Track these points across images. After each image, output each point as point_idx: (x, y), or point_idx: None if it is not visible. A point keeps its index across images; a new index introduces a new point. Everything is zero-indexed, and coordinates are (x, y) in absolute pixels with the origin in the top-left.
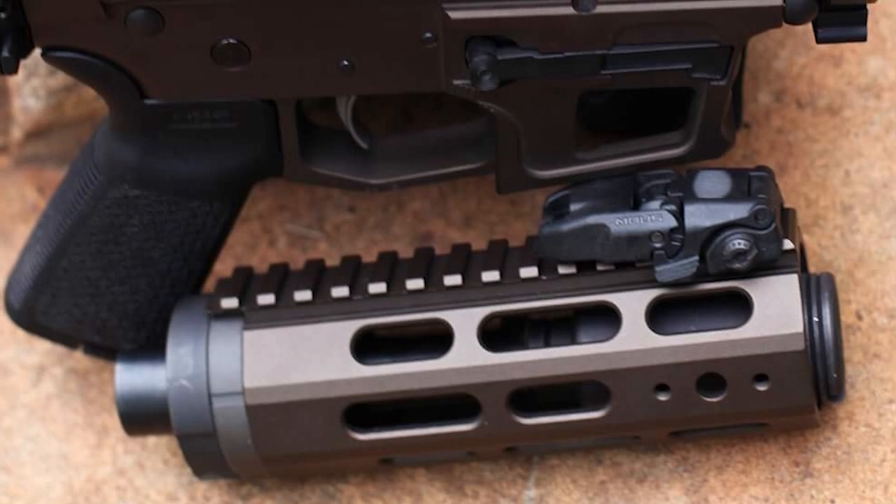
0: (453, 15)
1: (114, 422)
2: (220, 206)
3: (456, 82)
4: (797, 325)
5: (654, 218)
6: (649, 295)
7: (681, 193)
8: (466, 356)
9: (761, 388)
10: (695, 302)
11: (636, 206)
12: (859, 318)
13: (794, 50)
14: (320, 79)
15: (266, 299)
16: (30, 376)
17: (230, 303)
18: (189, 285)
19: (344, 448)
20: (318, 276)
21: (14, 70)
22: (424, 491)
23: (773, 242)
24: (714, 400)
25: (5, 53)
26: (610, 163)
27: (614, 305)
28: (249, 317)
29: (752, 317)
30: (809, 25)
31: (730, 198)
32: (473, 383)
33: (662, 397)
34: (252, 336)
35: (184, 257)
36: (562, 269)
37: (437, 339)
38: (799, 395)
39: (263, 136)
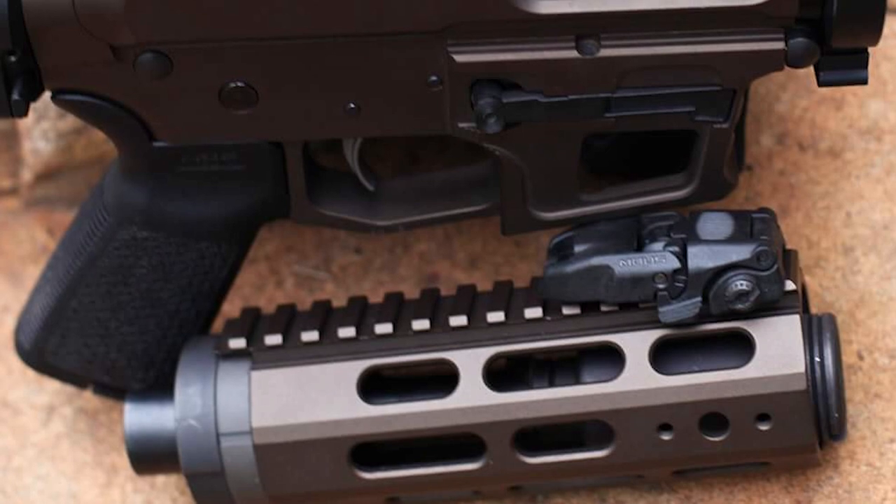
0: (458, 58)
1: (123, 461)
2: (227, 248)
3: (461, 125)
4: (799, 366)
5: (658, 259)
6: (653, 335)
7: (684, 235)
8: (472, 396)
9: (763, 427)
10: (698, 342)
11: (640, 248)
12: (860, 358)
13: (796, 93)
14: (327, 121)
15: (273, 340)
16: (40, 416)
17: (238, 343)
18: (197, 326)
19: (350, 487)
20: (324, 316)
21: (24, 113)
22: None
23: (776, 283)
24: (717, 439)
25: (16, 96)
26: (614, 205)
27: (618, 346)
28: (257, 357)
29: (755, 357)
30: (811, 69)
31: (732, 239)
32: (478, 423)
33: (666, 437)
34: (260, 376)
35: (192, 298)
36: (566, 310)
37: (443, 379)
38: (801, 434)
39: (271, 178)
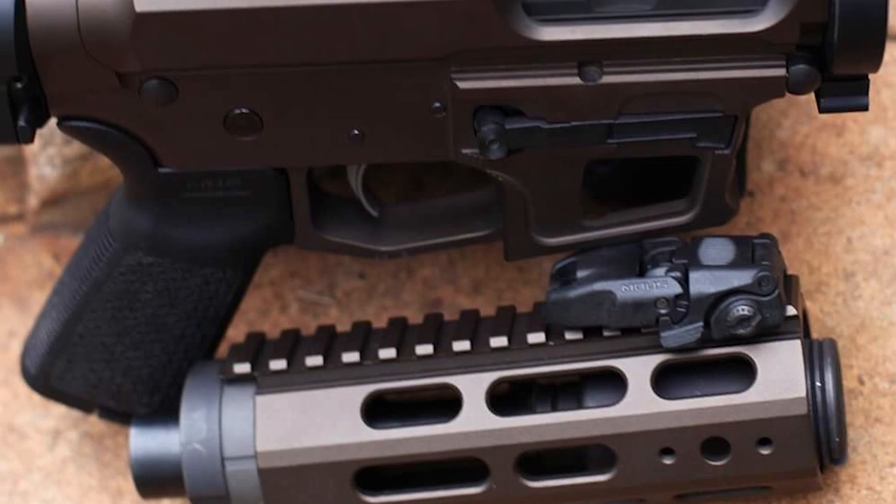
0: (462, 85)
1: (128, 485)
2: (232, 273)
3: (464, 151)
4: (800, 390)
5: (660, 285)
6: (655, 360)
7: (686, 260)
8: (475, 420)
9: (765, 451)
10: (699, 367)
11: (642, 273)
12: (861, 382)
13: (797, 119)
14: (331, 148)
15: (278, 364)
16: (45, 440)
17: (243, 368)
18: (202, 351)
19: None
20: (329, 341)
21: (30, 139)
22: None
23: (777, 309)
24: (718, 463)
25: (22, 123)
26: (616, 230)
27: (620, 370)
28: (262, 382)
29: (756, 382)
30: (812, 95)
31: (734, 265)
32: (482, 447)
33: (667, 461)
34: (264, 400)
35: (197, 323)
36: (569, 335)
37: (446, 404)
38: (802, 458)
39: (275, 204)
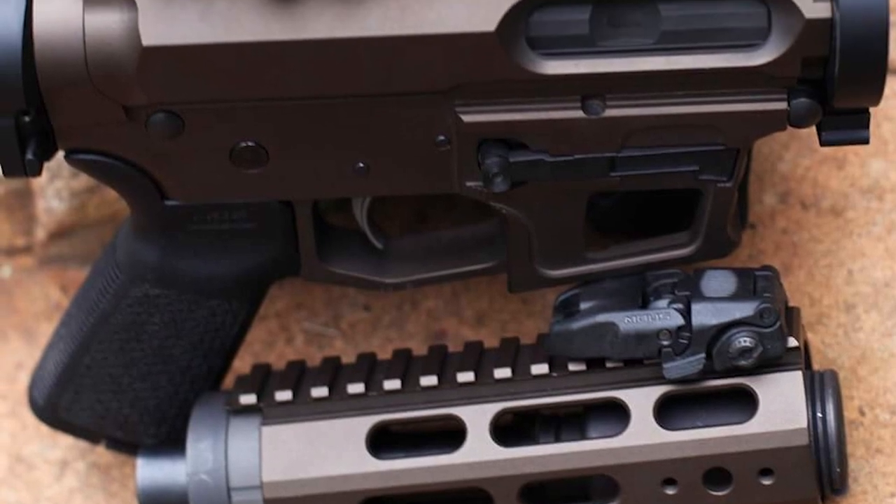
0: (466, 119)
1: None
2: (238, 305)
3: (469, 184)
4: (801, 421)
5: (662, 316)
6: (657, 391)
7: (688, 292)
8: (479, 451)
9: (766, 482)
10: (701, 398)
11: (644, 305)
12: (862, 413)
13: (799, 152)
14: (336, 181)
15: (284, 395)
16: (53, 471)
17: (249, 399)
18: (209, 382)
19: None
20: (334, 372)
21: (38, 172)
22: None
23: (778, 340)
24: (720, 494)
25: (29, 156)
26: (619, 262)
27: (623, 401)
28: (267, 412)
29: (758, 413)
30: (813, 128)
31: (736, 297)
32: (486, 477)
33: (670, 491)
34: (270, 431)
35: (203, 354)
36: (572, 366)
37: (451, 435)
38: (803, 488)
39: (281, 236)
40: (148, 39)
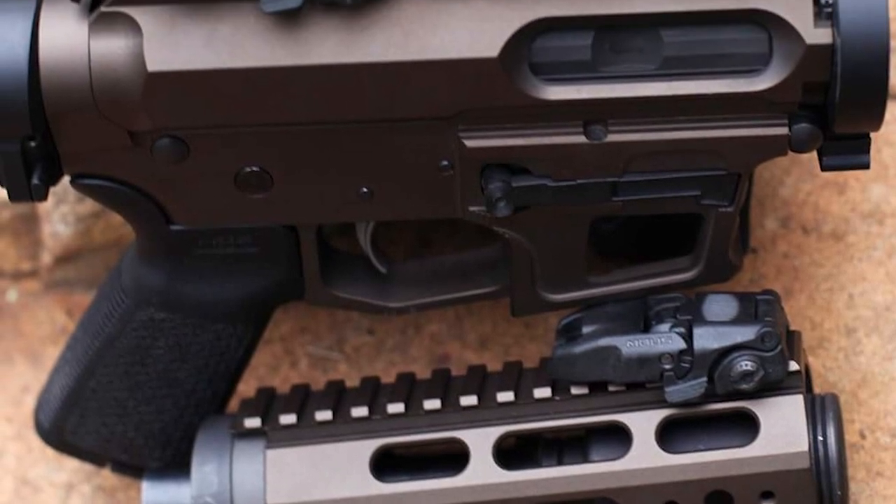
0: (469, 144)
1: None
2: (243, 329)
3: (472, 208)
4: (802, 444)
5: (664, 340)
6: (659, 415)
7: (690, 316)
8: (482, 474)
9: None
10: (703, 421)
11: (646, 329)
12: (863, 437)
13: (800, 177)
14: (340, 205)
15: (288, 419)
16: (59, 494)
17: (253, 422)
18: (213, 405)
19: None
20: (338, 396)
21: (44, 197)
22: None
23: (779, 364)
24: None
25: (35, 181)
26: (621, 287)
27: (625, 425)
28: (272, 436)
29: (759, 436)
30: (814, 153)
31: (737, 321)
32: (489, 500)
33: None
34: (274, 454)
35: (208, 378)
36: (574, 390)
37: (454, 458)
38: None
39: (285, 260)
40: (153, 65)
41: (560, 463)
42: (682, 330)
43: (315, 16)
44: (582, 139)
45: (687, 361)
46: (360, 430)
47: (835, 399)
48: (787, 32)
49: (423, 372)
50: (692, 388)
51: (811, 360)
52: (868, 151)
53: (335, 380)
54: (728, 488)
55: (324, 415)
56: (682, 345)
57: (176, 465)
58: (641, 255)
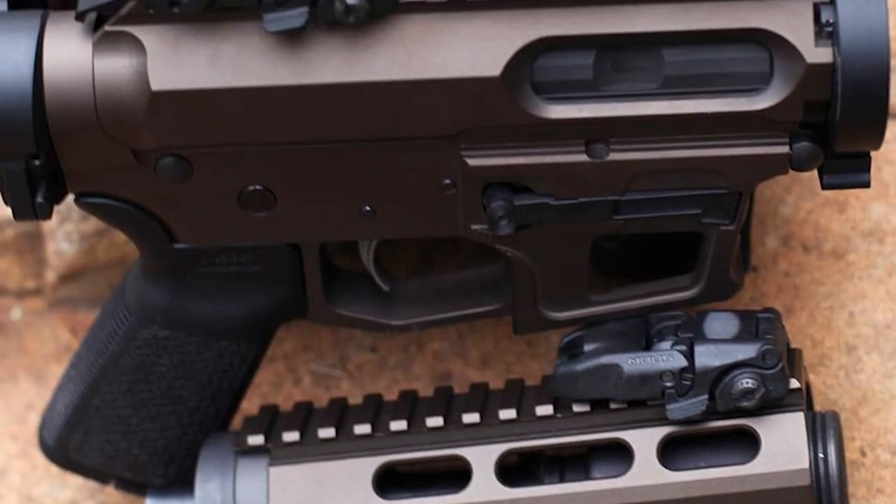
0: (471, 162)
1: None
2: (246, 347)
3: (474, 227)
4: (803, 462)
5: (666, 358)
6: (660, 432)
7: (691, 334)
8: (484, 491)
9: None
10: (704, 439)
11: (648, 347)
12: (863, 454)
13: (801, 196)
14: (343, 224)
15: (291, 436)
16: None
17: (256, 440)
18: (217, 423)
19: None
20: (341, 413)
21: (48, 215)
22: None
23: (780, 382)
24: None
25: (40, 199)
26: (622, 305)
27: (627, 442)
28: (275, 453)
29: (760, 453)
30: (815, 172)
31: (738, 339)
32: None
33: None
34: (278, 472)
35: (212, 396)
36: (576, 408)
37: (456, 475)
38: None
39: (288, 279)
40: (157, 84)
41: (562, 480)
42: (683, 348)
43: (318, 35)
44: (584, 158)
45: (688, 379)
46: (362, 447)
47: (835, 416)
48: (787, 52)
49: (425, 389)
50: (693, 405)
51: (812, 377)
52: (868, 170)
53: (338, 397)
54: None
55: (327, 432)
56: (683, 362)
57: (179, 483)
58: (643, 274)
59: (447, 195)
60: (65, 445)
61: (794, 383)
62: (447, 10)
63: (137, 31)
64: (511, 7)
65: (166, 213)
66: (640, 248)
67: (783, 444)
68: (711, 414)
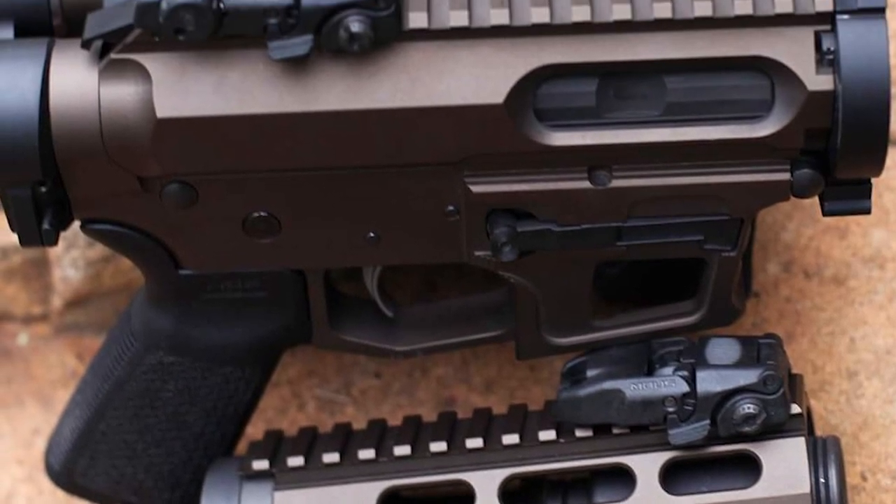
0: (475, 189)
1: None
2: (251, 372)
3: (477, 253)
4: (804, 486)
5: (668, 383)
6: (663, 457)
7: (693, 360)
8: None
9: None
10: (706, 464)
11: (650, 372)
12: (864, 479)
13: (802, 222)
14: (348, 250)
15: (296, 461)
16: None
17: (261, 464)
18: (222, 448)
19: None
20: (345, 438)
21: (54, 242)
22: None
23: (782, 407)
24: None
25: (46, 226)
26: (625, 330)
27: (629, 467)
28: (280, 478)
29: (761, 478)
30: (816, 199)
31: (740, 364)
32: None
33: None
34: (282, 496)
35: (217, 421)
36: (579, 433)
37: (460, 500)
38: None
39: (293, 304)
40: (162, 111)
41: None
42: (685, 373)
43: (323, 63)
44: (586, 185)
45: (690, 404)
46: (367, 472)
47: (836, 441)
48: (789, 79)
49: (429, 415)
50: (695, 430)
51: (813, 402)
52: (869, 197)
53: (342, 422)
54: None
55: (331, 457)
56: (685, 388)
57: None
58: (645, 300)
59: (451, 221)
60: (71, 470)
61: (796, 408)
62: (451, 38)
63: (143, 58)
64: (514, 35)
65: (172, 239)
66: (643, 274)
67: (784, 469)
68: (713, 439)
